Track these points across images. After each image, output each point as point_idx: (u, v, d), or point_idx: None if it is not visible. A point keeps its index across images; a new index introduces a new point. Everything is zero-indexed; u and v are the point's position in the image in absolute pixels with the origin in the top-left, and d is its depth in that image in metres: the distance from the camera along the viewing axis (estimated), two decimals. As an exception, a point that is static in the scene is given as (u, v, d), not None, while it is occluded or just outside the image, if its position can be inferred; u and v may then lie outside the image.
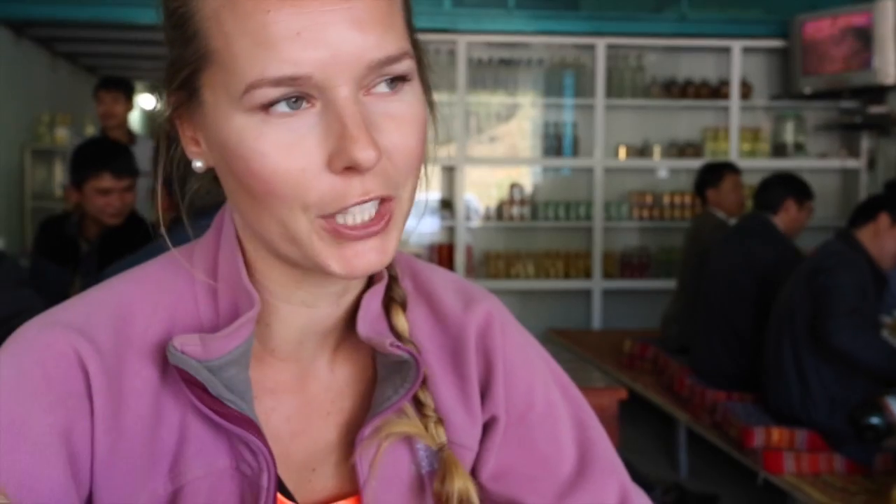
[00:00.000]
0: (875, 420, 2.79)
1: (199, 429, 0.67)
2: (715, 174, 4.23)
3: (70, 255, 2.78)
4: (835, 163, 5.57)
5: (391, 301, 0.75)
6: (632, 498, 0.78)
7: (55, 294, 1.71)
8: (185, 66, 0.63)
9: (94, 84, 4.26)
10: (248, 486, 0.67)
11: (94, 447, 0.64)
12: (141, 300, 0.69)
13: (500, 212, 5.55)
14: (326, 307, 0.70)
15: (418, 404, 0.73)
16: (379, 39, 0.59)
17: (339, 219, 0.61)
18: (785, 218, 3.55)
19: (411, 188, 0.64)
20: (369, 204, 0.61)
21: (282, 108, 0.59)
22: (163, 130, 0.69)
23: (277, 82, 0.58)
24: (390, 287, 0.75)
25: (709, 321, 3.61)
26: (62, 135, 5.43)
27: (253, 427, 0.65)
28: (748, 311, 3.47)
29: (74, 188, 2.75)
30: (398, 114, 0.61)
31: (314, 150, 0.59)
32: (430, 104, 0.69)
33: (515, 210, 5.51)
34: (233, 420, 0.65)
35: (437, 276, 0.81)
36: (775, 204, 3.55)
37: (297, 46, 0.57)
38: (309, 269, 0.65)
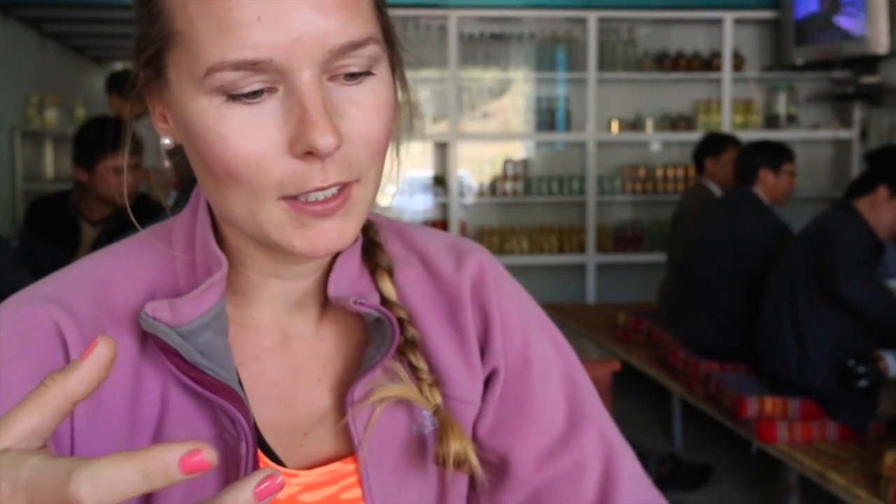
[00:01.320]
0: (865, 369, 2.82)
1: (180, 398, 0.67)
2: (718, 144, 4.23)
3: (69, 235, 2.76)
4: (827, 133, 5.57)
5: (377, 267, 0.75)
6: (617, 458, 0.78)
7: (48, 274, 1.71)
8: (150, 44, 0.63)
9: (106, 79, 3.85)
10: (230, 455, 0.67)
11: (73, 417, 0.65)
12: (121, 272, 0.69)
13: (493, 187, 5.55)
14: (301, 279, 0.71)
15: (412, 368, 0.73)
16: (343, 24, 0.59)
17: (301, 198, 0.61)
18: (764, 187, 3.56)
19: (375, 173, 0.64)
20: (330, 189, 0.61)
21: (241, 90, 0.59)
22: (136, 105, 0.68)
23: (237, 66, 0.58)
24: (374, 254, 0.75)
25: (696, 297, 3.63)
26: (52, 116, 5.39)
27: (232, 395, 0.66)
28: (735, 287, 3.48)
29: (84, 169, 2.71)
30: (362, 100, 0.61)
31: (275, 134, 0.59)
32: (404, 84, 0.69)
33: (509, 185, 5.50)
34: (211, 388, 0.65)
35: (427, 236, 0.81)
36: (750, 176, 3.56)
37: (258, 30, 0.57)
38: (275, 249, 0.65)
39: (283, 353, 0.73)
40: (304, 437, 0.73)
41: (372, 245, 0.75)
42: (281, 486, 0.43)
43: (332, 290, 0.71)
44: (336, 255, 0.71)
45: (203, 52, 0.59)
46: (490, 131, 5.69)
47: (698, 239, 3.70)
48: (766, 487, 3.34)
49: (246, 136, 0.59)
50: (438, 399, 0.73)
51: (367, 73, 0.62)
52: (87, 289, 0.68)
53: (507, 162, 5.55)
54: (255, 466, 0.67)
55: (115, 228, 2.72)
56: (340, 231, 0.63)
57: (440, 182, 5.47)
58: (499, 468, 0.78)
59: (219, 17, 0.58)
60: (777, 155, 3.57)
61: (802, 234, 3.17)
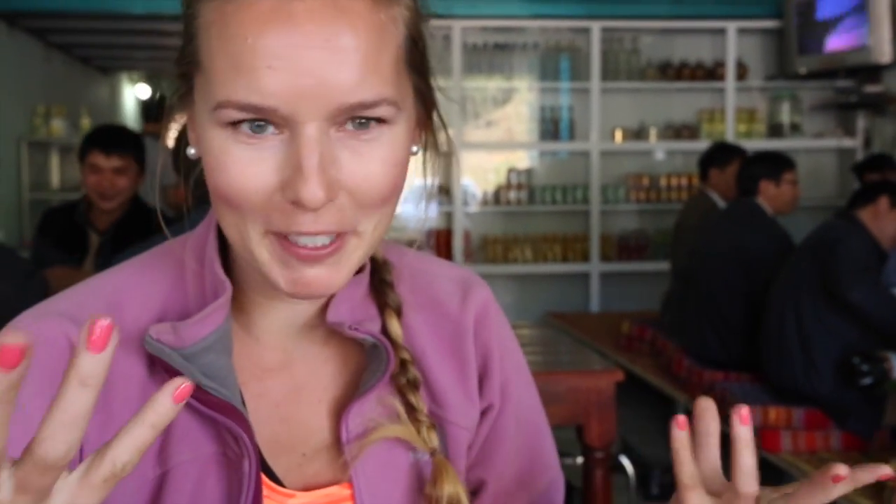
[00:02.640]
0: (869, 367, 2.83)
1: (184, 416, 0.68)
2: (724, 155, 4.23)
3: (77, 243, 2.83)
4: (831, 142, 5.57)
5: (386, 306, 0.76)
6: (559, 489, 0.86)
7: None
8: (184, 62, 0.65)
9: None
10: (233, 472, 0.69)
11: (86, 440, 0.65)
12: (133, 289, 0.71)
13: (497, 196, 5.56)
14: (305, 304, 0.72)
15: (410, 409, 0.75)
16: (356, 83, 0.59)
17: (291, 238, 0.62)
18: (767, 198, 3.57)
19: (375, 224, 0.65)
20: (323, 236, 0.62)
21: (245, 129, 0.60)
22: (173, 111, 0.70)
23: (242, 107, 0.59)
24: (385, 293, 0.76)
25: (698, 306, 3.63)
26: (58, 126, 5.43)
27: (234, 413, 0.67)
28: (738, 299, 3.49)
29: (80, 168, 2.83)
30: (367, 152, 0.61)
31: (271, 174, 0.60)
32: (435, 145, 0.71)
33: (513, 194, 5.51)
34: (214, 407, 0.66)
35: (434, 266, 0.83)
36: (752, 188, 3.57)
37: (267, 77, 0.58)
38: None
39: (285, 374, 0.74)
40: (302, 457, 0.74)
41: (383, 284, 0.76)
42: (189, 390, 0.46)
43: (331, 316, 0.72)
44: None
45: (216, 87, 0.60)
46: (494, 140, 5.70)
47: (701, 249, 3.70)
48: (770, 497, 3.33)
49: (244, 171, 0.60)
50: (435, 442, 0.75)
51: (379, 121, 0.62)
52: (99, 306, 0.69)
53: (510, 171, 5.56)
54: (259, 483, 0.68)
55: (114, 234, 2.76)
56: (327, 280, 0.63)
57: (444, 191, 5.48)
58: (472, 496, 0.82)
59: (233, 57, 0.59)
60: (777, 165, 3.58)
61: (805, 243, 3.18)
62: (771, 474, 3.17)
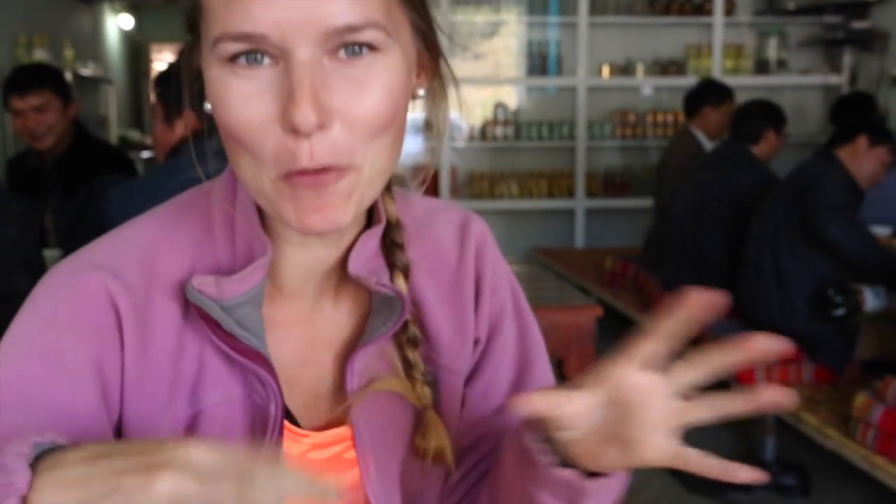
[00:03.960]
0: (843, 299, 2.91)
1: (216, 361, 0.73)
2: (721, 94, 4.23)
3: (38, 185, 2.88)
4: (817, 79, 5.58)
5: (394, 266, 0.80)
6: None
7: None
8: (190, 11, 0.69)
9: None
10: (258, 414, 0.74)
11: (123, 376, 0.71)
12: (165, 240, 0.74)
13: (483, 132, 5.56)
14: (323, 249, 0.75)
15: (407, 364, 0.79)
16: (344, 7, 0.62)
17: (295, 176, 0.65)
18: (765, 147, 3.61)
19: (372, 158, 0.66)
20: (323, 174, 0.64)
21: (242, 61, 0.63)
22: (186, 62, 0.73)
23: (236, 38, 0.62)
24: (395, 253, 0.80)
25: (679, 244, 3.69)
26: (41, 57, 5.36)
27: (263, 361, 0.72)
28: (720, 239, 3.54)
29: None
30: (360, 79, 0.64)
31: (269, 105, 0.63)
32: (441, 76, 0.74)
33: (499, 130, 5.52)
34: (245, 354, 0.71)
35: (436, 215, 0.86)
36: (756, 135, 3.59)
37: (257, 6, 0.61)
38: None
39: (304, 322, 0.79)
40: (315, 398, 0.80)
41: (394, 245, 0.80)
42: None
43: (353, 269, 0.75)
44: (359, 234, 0.75)
45: (213, 24, 0.64)
46: (481, 75, 5.67)
47: (687, 187, 3.74)
48: (743, 428, 3.45)
49: (244, 104, 0.63)
50: (429, 398, 0.80)
51: (370, 49, 0.64)
52: (135, 257, 0.73)
53: (497, 106, 5.55)
54: (282, 425, 0.74)
55: (60, 170, 2.87)
56: (333, 212, 0.66)
57: (430, 126, 5.47)
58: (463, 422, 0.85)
59: None
60: (781, 118, 3.63)
61: (784, 181, 3.23)
62: (745, 405, 3.28)
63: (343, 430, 0.79)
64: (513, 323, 0.87)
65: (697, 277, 3.63)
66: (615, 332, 4.35)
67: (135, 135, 6.27)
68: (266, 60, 0.63)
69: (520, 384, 0.87)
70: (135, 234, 0.76)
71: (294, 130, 0.62)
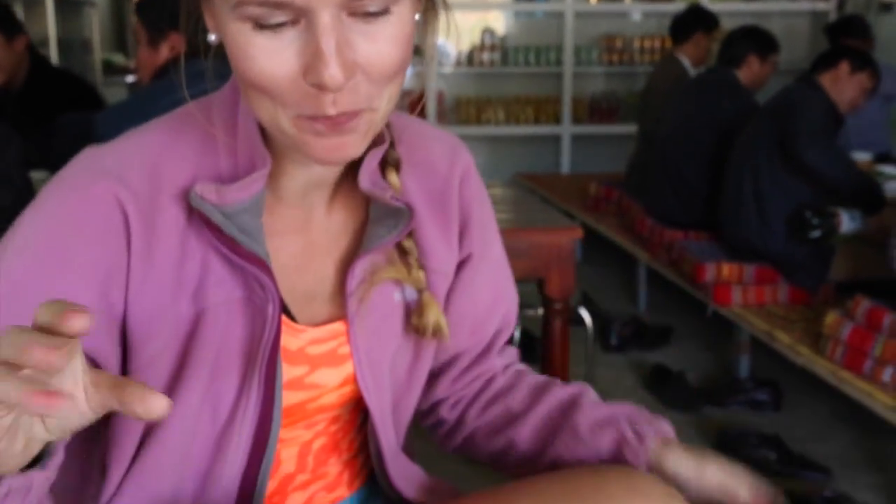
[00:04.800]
0: (819, 220, 2.99)
1: (218, 265, 0.79)
2: (707, 20, 4.24)
3: (4, 120, 2.91)
4: (804, 5, 5.56)
5: (386, 163, 0.87)
6: (510, 326, 1.03)
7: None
8: None
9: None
10: (257, 314, 0.80)
11: (129, 277, 0.77)
12: (169, 149, 0.80)
13: (471, 57, 5.54)
14: (324, 168, 0.82)
15: (403, 253, 0.88)
16: None
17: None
18: (748, 72, 3.62)
19: (388, 97, 0.73)
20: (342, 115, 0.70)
21: (265, 21, 0.66)
22: None
23: (261, 3, 0.66)
24: (386, 151, 0.87)
25: (663, 169, 3.74)
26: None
27: (262, 265, 0.78)
28: (703, 165, 3.59)
29: None
30: (379, 33, 0.68)
31: (293, 60, 0.67)
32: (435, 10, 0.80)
33: (486, 56, 5.50)
34: (245, 257, 0.77)
35: (424, 128, 0.95)
36: (738, 58, 3.61)
37: None
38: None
39: (301, 230, 0.86)
40: (312, 300, 0.87)
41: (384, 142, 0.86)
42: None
43: (364, 185, 0.83)
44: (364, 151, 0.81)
45: None
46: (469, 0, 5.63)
47: (672, 113, 3.78)
48: (720, 347, 3.57)
49: (269, 60, 0.68)
50: (423, 282, 0.89)
51: (385, 12, 0.68)
52: (141, 164, 0.78)
53: (484, 31, 5.52)
54: (279, 325, 0.81)
55: (20, 101, 2.86)
56: (352, 146, 0.73)
57: (417, 51, 5.44)
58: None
59: None
60: (767, 44, 3.64)
61: (765, 106, 3.27)
62: (723, 327, 3.39)
63: (338, 326, 0.87)
64: (494, 255, 0.99)
65: (679, 202, 3.70)
66: (598, 256, 4.44)
67: (119, 58, 6.20)
68: (288, 20, 0.67)
69: (493, 307, 1.00)
70: (140, 142, 0.81)
71: (320, 87, 0.67)
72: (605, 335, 3.59)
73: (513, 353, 1.07)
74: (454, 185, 0.93)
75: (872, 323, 2.48)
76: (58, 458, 0.62)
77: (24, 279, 0.75)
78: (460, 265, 0.95)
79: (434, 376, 1.01)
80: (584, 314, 2.99)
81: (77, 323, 0.53)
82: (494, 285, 1.00)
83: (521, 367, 1.07)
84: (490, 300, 0.99)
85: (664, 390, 3.11)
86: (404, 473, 0.95)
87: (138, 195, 0.77)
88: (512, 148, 5.68)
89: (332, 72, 0.66)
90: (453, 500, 0.93)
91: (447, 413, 1.03)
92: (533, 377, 1.04)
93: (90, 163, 0.79)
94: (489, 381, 1.04)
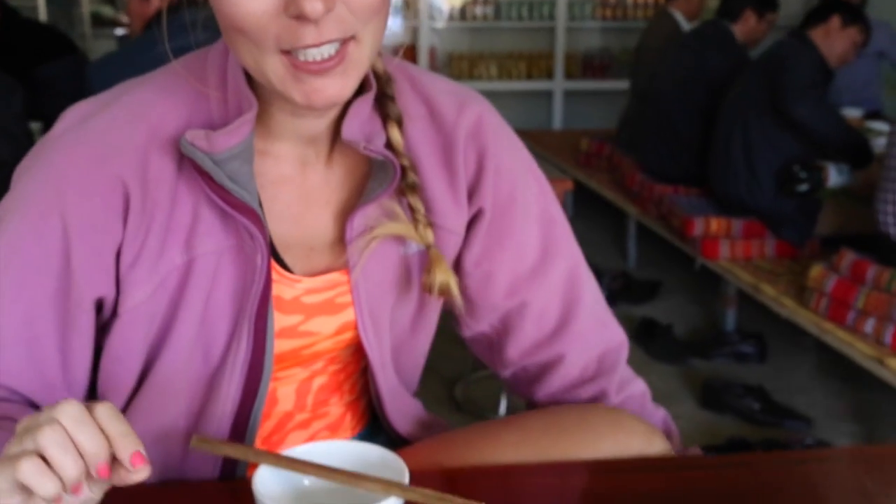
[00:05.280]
0: (807, 174, 3.02)
1: (209, 214, 0.81)
2: None
3: None
4: (800, -40, 5.52)
5: (388, 117, 0.86)
6: (581, 289, 0.94)
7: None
8: None
9: None
10: (247, 263, 0.82)
11: (126, 223, 0.79)
12: (161, 102, 0.81)
13: (463, 12, 5.50)
14: (314, 117, 0.82)
15: (410, 209, 0.86)
16: None
17: (300, 55, 0.71)
18: (744, 28, 3.61)
19: (373, 30, 0.73)
20: (328, 45, 0.71)
21: None
22: None
23: None
24: (387, 105, 0.86)
25: (655, 124, 3.75)
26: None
27: (252, 214, 0.79)
28: (694, 119, 3.60)
29: None
30: None
31: None
32: None
33: (479, 10, 5.46)
34: (236, 207, 0.79)
35: (435, 84, 0.92)
36: (735, 12, 3.59)
37: None
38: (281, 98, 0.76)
39: (297, 180, 0.86)
40: (310, 250, 0.87)
41: (385, 97, 0.86)
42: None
43: (346, 134, 0.82)
44: (351, 100, 0.80)
45: None
46: (461, -48, 5.57)
47: (666, 68, 3.77)
48: (707, 301, 3.61)
49: None
50: (431, 238, 0.87)
51: None
52: (133, 117, 0.80)
53: (477, -15, 5.48)
54: (269, 274, 0.82)
55: None
56: (339, 88, 0.73)
57: (409, 5, 5.41)
58: (477, 294, 0.93)
59: None
60: (767, 2, 3.62)
61: (756, 61, 3.28)
62: (710, 281, 3.43)
63: (336, 276, 0.87)
64: (530, 209, 0.91)
65: (671, 157, 3.71)
66: (589, 212, 4.45)
67: (107, 10, 6.13)
68: None
69: (542, 268, 0.91)
70: (130, 97, 0.82)
71: (301, 17, 0.68)
72: (595, 289, 3.63)
73: (639, 387, 0.98)
74: (459, 138, 0.88)
75: (856, 275, 2.52)
76: None
77: (17, 243, 0.79)
78: (473, 222, 0.91)
79: (498, 345, 0.96)
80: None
81: (139, 475, 0.64)
82: (539, 243, 0.92)
83: (648, 403, 0.97)
84: (533, 258, 0.91)
85: (651, 343, 3.16)
86: (404, 413, 0.97)
87: (133, 146, 0.79)
88: (504, 103, 5.62)
89: (313, 1, 0.67)
90: (444, 435, 0.96)
91: (541, 397, 0.97)
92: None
93: (77, 117, 0.81)
94: (598, 398, 0.95)
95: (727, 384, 2.79)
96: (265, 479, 0.73)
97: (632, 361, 0.99)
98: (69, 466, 0.60)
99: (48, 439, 0.60)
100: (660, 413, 0.96)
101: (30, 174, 0.80)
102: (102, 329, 0.84)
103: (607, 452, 0.86)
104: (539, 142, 5.10)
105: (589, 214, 4.76)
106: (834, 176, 3.03)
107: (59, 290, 0.79)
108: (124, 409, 0.85)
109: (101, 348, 0.85)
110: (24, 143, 2.06)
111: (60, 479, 0.60)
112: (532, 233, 0.91)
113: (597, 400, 0.94)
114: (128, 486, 0.83)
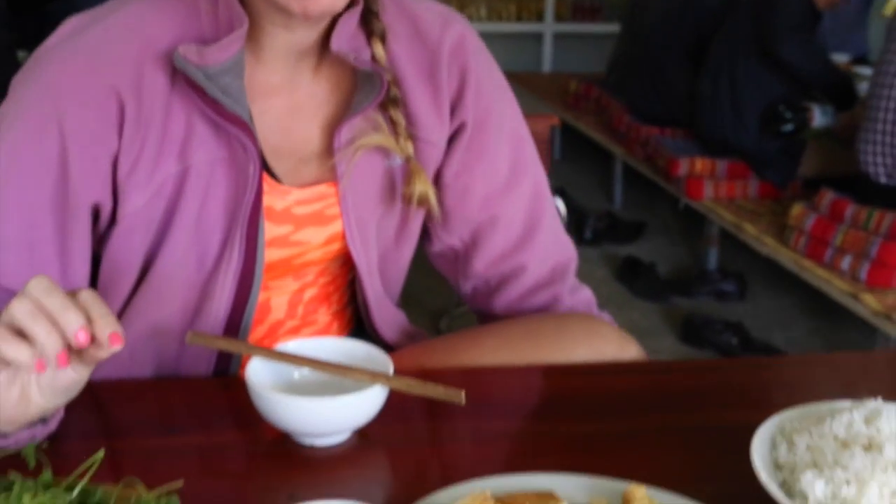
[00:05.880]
0: (792, 114, 3.05)
1: (202, 126, 0.84)
2: None
3: None
4: None
5: (372, 33, 0.89)
6: (542, 202, 0.99)
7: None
8: None
9: None
10: (240, 174, 0.85)
11: (121, 136, 0.82)
12: (154, 17, 0.84)
13: (453, -50, 5.44)
14: (304, 30, 0.84)
15: (392, 122, 0.90)
16: None
17: None
18: None
19: None
20: None
21: None
22: None
23: None
24: (371, 21, 0.89)
25: (644, 65, 3.76)
26: None
27: (244, 125, 0.83)
28: (682, 60, 3.61)
29: None
30: None
31: None
32: None
33: (469, -51, 5.41)
34: (227, 118, 0.82)
35: (419, 3, 0.95)
36: None
37: None
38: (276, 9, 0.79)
39: (287, 94, 0.89)
40: (299, 162, 0.91)
41: (370, 13, 0.89)
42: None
43: (335, 46, 0.85)
44: (339, 15, 0.83)
45: None
46: None
47: (654, 8, 3.77)
48: (690, 242, 3.67)
49: None
50: (411, 150, 0.91)
51: None
52: (126, 32, 0.83)
53: (468, -77, 5.41)
54: (260, 184, 0.86)
55: None
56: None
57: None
58: (453, 207, 0.97)
59: None
60: None
61: (745, 2, 3.28)
62: (693, 222, 3.48)
63: (324, 188, 0.91)
64: (504, 127, 0.95)
65: (658, 98, 3.73)
66: (576, 155, 4.45)
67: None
68: None
69: (511, 184, 0.96)
70: (128, 10, 0.85)
71: None
72: (580, 229, 3.67)
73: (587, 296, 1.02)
74: (444, 54, 0.92)
75: (835, 214, 2.57)
76: (59, 416, 0.73)
77: (20, 150, 0.81)
78: (455, 135, 0.95)
79: (465, 258, 1.00)
80: (559, 203, 3.05)
81: (112, 349, 0.66)
82: (510, 159, 0.96)
83: (594, 307, 1.02)
84: (505, 174, 0.96)
85: (635, 281, 3.22)
86: (388, 321, 1.01)
87: (127, 61, 0.81)
88: (493, 45, 5.52)
89: None
90: (427, 341, 1.00)
91: (499, 308, 1.01)
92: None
93: (79, 44, 0.83)
94: (553, 303, 0.99)
95: (707, 320, 2.85)
96: (258, 372, 0.77)
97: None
98: (40, 332, 0.63)
99: (17, 310, 0.63)
100: (605, 317, 1.01)
101: (25, 84, 0.83)
102: (101, 240, 0.88)
103: (583, 358, 0.91)
104: (528, 84, 5.09)
105: (576, 157, 4.78)
106: (818, 117, 3.07)
107: (57, 195, 0.82)
108: (122, 311, 0.89)
109: (100, 258, 0.88)
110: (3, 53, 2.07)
111: (41, 347, 0.64)
112: (505, 149, 0.96)
113: (551, 305, 0.99)
114: (124, 381, 0.87)
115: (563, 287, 1.00)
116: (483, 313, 1.03)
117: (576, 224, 3.64)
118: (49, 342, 0.63)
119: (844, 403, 0.70)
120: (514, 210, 0.97)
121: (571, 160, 4.78)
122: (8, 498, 0.52)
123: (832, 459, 0.62)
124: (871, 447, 0.63)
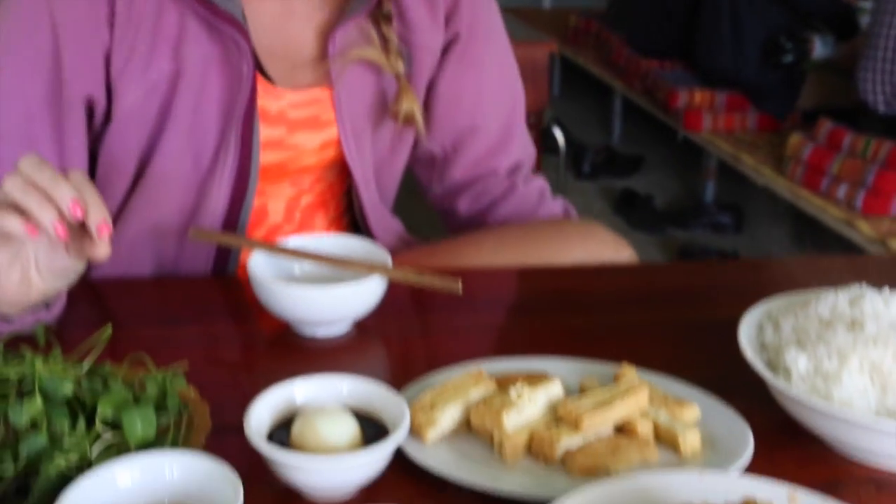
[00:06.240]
0: (792, 45, 3.03)
1: (196, 26, 0.85)
2: None
3: None
4: None
5: None
6: (519, 109, 1.05)
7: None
8: None
9: None
10: (234, 73, 0.87)
11: (113, 32, 0.84)
12: None
13: None
14: None
15: (383, 39, 0.92)
16: None
17: None
18: None
19: None
20: None
21: None
22: None
23: None
24: None
25: (644, 2, 3.72)
26: None
27: (237, 24, 0.84)
28: None
29: None
30: None
31: None
32: None
33: None
34: (221, 16, 0.83)
35: None
36: None
37: None
38: None
39: None
40: (293, 65, 0.93)
41: None
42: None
43: None
44: None
45: None
46: None
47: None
48: (688, 176, 3.67)
49: None
50: (401, 68, 0.93)
51: None
52: None
53: None
54: (254, 83, 0.87)
55: None
56: None
57: None
58: (442, 115, 1.00)
59: None
60: None
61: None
62: (691, 155, 3.48)
63: (318, 92, 0.92)
64: (493, 42, 1.01)
65: (659, 30, 3.69)
66: (575, 91, 4.39)
67: None
68: None
69: (497, 95, 1.01)
70: None
71: None
72: (578, 164, 3.67)
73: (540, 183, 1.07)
74: None
75: (833, 143, 2.57)
76: (61, 302, 0.75)
77: (14, 42, 0.83)
78: (448, 46, 0.98)
79: (443, 163, 1.04)
80: (558, 133, 3.04)
81: (102, 249, 0.68)
82: (497, 71, 1.01)
83: (547, 193, 1.07)
84: (491, 85, 1.01)
85: (631, 213, 3.23)
86: (385, 228, 1.04)
87: None
88: (492, -21, 5.55)
89: None
90: (427, 245, 1.02)
91: (463, 207, 1.05)
92: (550, 208, 1.05)
93: None
94: (509, 191, 1.04)
95: (703, 250, 2.87)
96: (260, 265, 0.79)
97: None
98: (33, 204, 0.64)
99: (10, 186, 0.64)
100: (559, 202, 1.06)
101: None
102: (97, 138, 0.89)
103: (579, 259, 0.93)
104: (527, 19, 5.02)
105: (575, 94, 4.75)
106: (819, 48, 3.04)
107: (51, 87, 0.84)
108: (120, 210, 0.91)
109: (97, 157, 0.90)
110: None
111: (35, 218, 0.64)
112: (494, 60, 1.01)
113: (507, 192, 1.03)
114: (124, 279, 0.89)
115: (518, 177, 1.05)
116: (447, 212, 1.07)
117: (574, 158, 3.64)
118: (43, 213, 0.64)
119: (830, 291, 0.72)
120: (493, 119, 1.02)
121: (570, 97, 4.75)
122: (21, 363, 0.54)
123: (815, 337, 0.64)
124: (853, 326, 0.65)
